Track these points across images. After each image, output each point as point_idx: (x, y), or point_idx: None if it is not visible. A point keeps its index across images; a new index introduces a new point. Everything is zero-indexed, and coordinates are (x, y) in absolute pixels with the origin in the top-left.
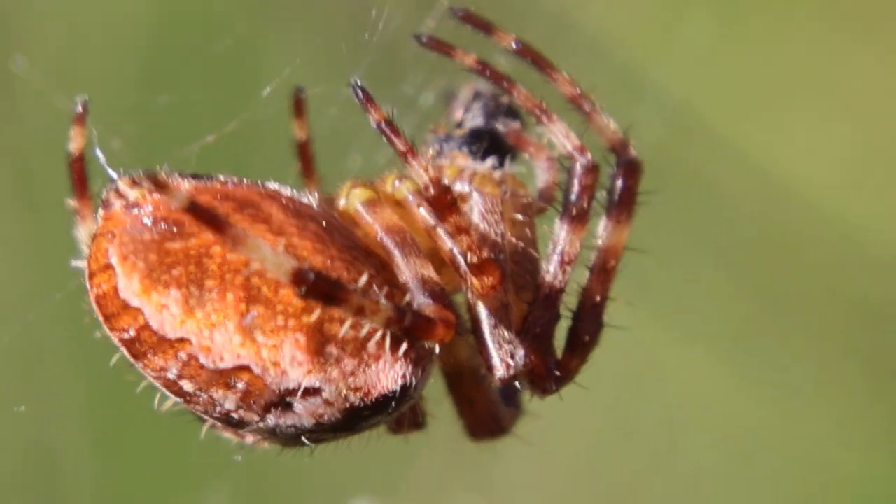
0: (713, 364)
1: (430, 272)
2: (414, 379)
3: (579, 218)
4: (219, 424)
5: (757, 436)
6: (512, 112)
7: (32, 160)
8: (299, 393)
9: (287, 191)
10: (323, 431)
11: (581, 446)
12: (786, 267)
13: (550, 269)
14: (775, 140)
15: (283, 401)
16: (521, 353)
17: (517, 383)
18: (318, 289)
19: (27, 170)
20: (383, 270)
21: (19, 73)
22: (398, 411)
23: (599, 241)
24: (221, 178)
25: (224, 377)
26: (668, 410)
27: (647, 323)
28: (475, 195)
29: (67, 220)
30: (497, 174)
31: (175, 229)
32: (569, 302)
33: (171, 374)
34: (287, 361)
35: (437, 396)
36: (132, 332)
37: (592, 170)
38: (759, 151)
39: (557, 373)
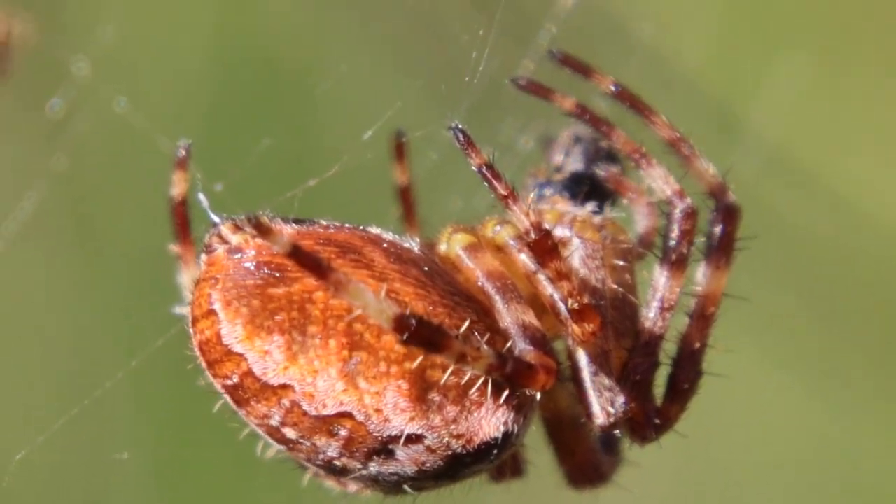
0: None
1: (531, 318)
2: (516, 426)
3: (679, 264)
4: (321, 472)
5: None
6: (611, 156)
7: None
8: (402, 440)
9: (388, 235)
10: (425, 479)
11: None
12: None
13: (650, 316)
14: (870, 182)
15: (385, 448)
16: (621, 400)
17: (617, 431)
18: (420, 335)
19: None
20: (484, 316)
21: (122, 112)
22: (500, 459)
23: (698, 288)
24: (323, 222)
25: (327, 424)
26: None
27: (746, 366)
28: (576, 240)
29: (128, 263)
30: (597, 219)
31: (278, 274)
32: (668, 349)
33: (274, 422)
34: (390, 408)
35: (536, 444)
36: (235, 379)
37: (692, 215)
38: (853, 192)
39: (657, 420)
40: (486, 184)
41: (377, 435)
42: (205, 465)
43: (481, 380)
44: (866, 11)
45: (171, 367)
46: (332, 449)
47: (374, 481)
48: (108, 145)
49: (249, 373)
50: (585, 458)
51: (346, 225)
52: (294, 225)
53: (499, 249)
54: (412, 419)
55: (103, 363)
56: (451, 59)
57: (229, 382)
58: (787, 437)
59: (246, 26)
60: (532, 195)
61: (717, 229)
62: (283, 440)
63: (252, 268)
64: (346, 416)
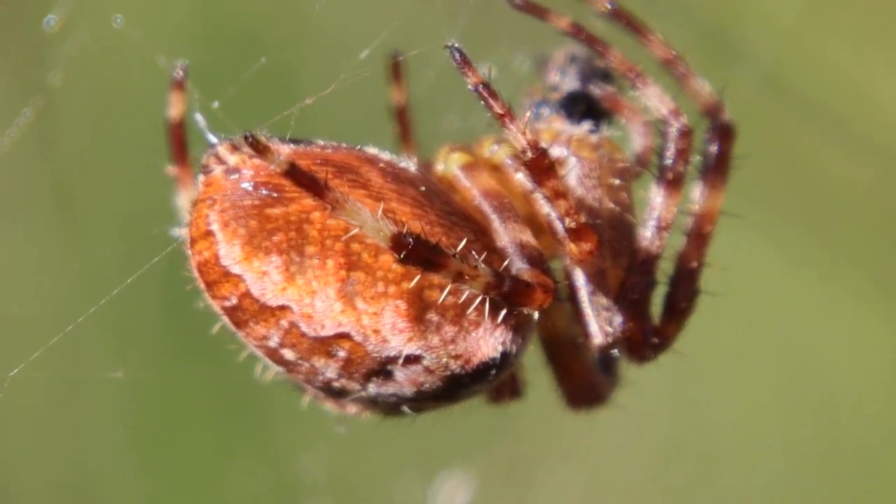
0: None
1: (528, 237)
2: (514, 346)
3: (675, 183)
4: (320, 394)
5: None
6: (607, 75)
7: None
8: (400, 361)
9: (385, 155)
10: (424, 400)
11: (677, 416)
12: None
13: (647, 235)
14: (866, 97)
15: (384, 369)
16: (618, 319)
17: (615, 351)
18: (418, 254)
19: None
20: (482, 235)
21: (119, 28)
22: (498, 379)
23: (695, 207)
24: (320, 142)
25: (325, 345)
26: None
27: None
28: (572, 159)
29: (106, 234)
30: (593, 138)
31: (275, 194)
32: (665, 268)
33: (273, 343)
34: (388, 329)
35: (534, 364)
36: (234, 300)
37: (687, 134)
38: (849, 110)
39: (655, 339)
40: (482, 103)
41: (375, 356)
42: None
43: (479, 299)
44: None
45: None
46: (330, 370)
47: (373, 402)
48: (104, 62)
49: (248, 294)
50: (583, 378)
51: (343, 145)
52: (291, 145)
53: (496, 169)
54: (410, 339)
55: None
56: None
57: (228, 304)
58: (782, 355)
59: None
60: (528, 114)
61: (713, 148)
62: (281, 361)
63: (250, 188)
64: (345, 336)
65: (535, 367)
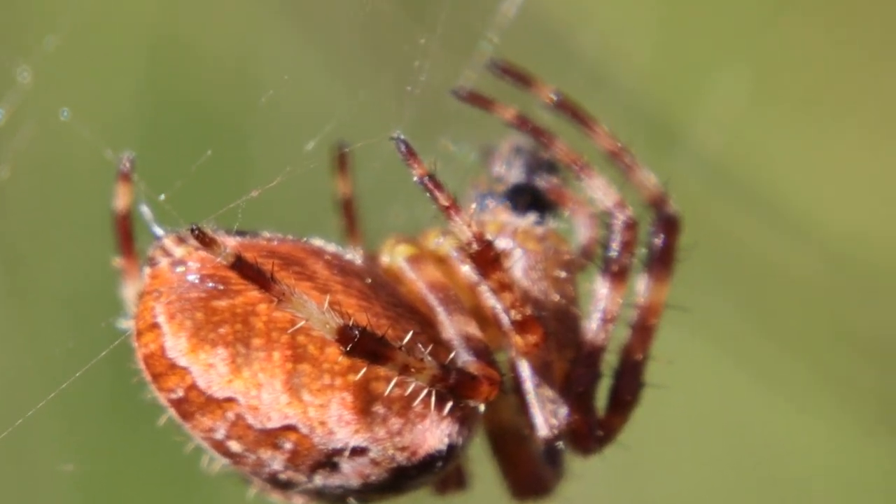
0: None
1: (474, 329)
2: (460, 438)
3: (620, 275)
4: (267, 486)
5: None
6: (552, 167)
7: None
8: (346, 453)
9: (331, 247)
10: (370, 491)
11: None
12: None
13: (592, 327)
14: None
15: (330, 461)
16: (564, 411)
17: (560, 443)
18: (364, 347)
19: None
20: (428, 327)
21: (66, 122)
22: (444, 471)
23: (640, 299)
24: (266, 234)
25: (271, 437)
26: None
27: (688, 376)
28: (518, 251)
29: (57, 308)
30: (539, 230)
31: (221, 287)
32: (610, 360)
33: (219, 435)
34: (334, 421)
35: (479, 456)
36: (180, 393)
37: (632, 226)
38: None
39: (600, 432)
40: (427, 194)
41: (322, 448)
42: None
43: (425, 391)
44: (800, 30)
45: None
46: (277, 462)
47: (320, 494)
48: (50, 155)
49: (194, 386)
50: (529, 470)
51: (289, 237)
52: (237, 237)
53: (441, 260)
54: (356, 431)
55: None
56: (394, 69)
57: (174, 396)
58: (730, 445)
59: (185, 37)
60: (474, 206)
61: (658, 240)
62: (228, 454)
63: (196, 280)
64: (291, 428)
65: (480, 459)
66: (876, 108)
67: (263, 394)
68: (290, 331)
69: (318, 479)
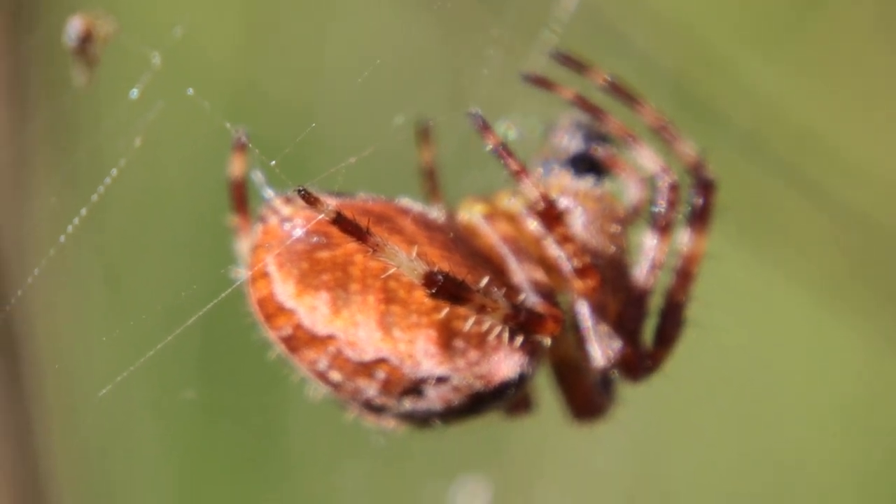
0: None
1: (540, 275)
2: (529, 368)
3: (665, 229)
4: (363, 410)
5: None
6: (606, 138)
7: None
8: (431, 381)
9: (417, 206)
10: (451, 415)
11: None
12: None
13: (641, 274)
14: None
15: (417, 388)
16: (617, 345)
17: (614, 373)
18: (446, 289)
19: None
20: (501, 274)
21: (193, 98)
22: (515, 396)
23: (683, 249)
24: (362, 195)
25: (367, 368)
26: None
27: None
28: (578, 209)
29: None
30: (596, 191)
31: (324, 240)
32: (656, 302)
33: (322, 366)
34: (421, 354)
35: (543, 384)
36: (288, 331)
37: (676, 188)
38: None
39: (648, 363)
40: (500, 161)
41: (410, 377)
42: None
43: (499, 328)
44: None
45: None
46: (371, 389)
47: (408, 417)
48: (181, 128)
49: (300, 325)
50: (586, 396)
51: (382, 198)
52: (337, 198)
53: (512, 217)
54: (440, 363)
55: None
56: (469, 55)
57: (283, 334)
58: (753, 384)
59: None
60: (540, 171)
61: (698, 200)
62: (329, 383)
63: (301, 234)
64: (384, 361)
65: (544, 387)
66: None
67: (360, 331)
68: (382, 277)
69: (407, 404)
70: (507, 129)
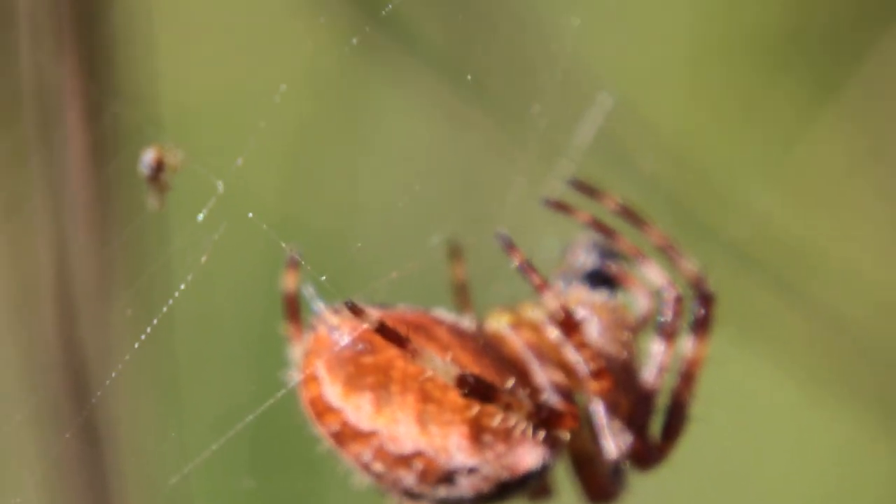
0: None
1: (560, 377)
2: (550, 459)
3: (670, 336)
4: (402, 497)
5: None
6: (618, 256)
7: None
8: (463, 471)
9: (451, 317)
10: (480, 501)
11: None
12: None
13: (649, 376)
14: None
15: (450, 478)
16: (628, 439)
17: (624, 464)
18: (477, 390)
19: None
20: (525, 376)
21: (252, 220)
22: (537, 484)
23: (686, 355)
24: (402, 306)
25: (406, 460)
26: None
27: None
28: (593, 319)
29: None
30: (609, 303)
31: (368, 346)
32: (663, 401)
33: (366, 458)
34: (454, 447)
35: (561, 473)
36: (336, 427)
37: (680, 300)
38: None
39: (655, 455)
40: (525, 276)
41: (444, 468)
42: None
43: (523, 424)
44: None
45: None
46: (409, 479)
47: (442, 503)
48: (240, 247)
49: (347, 422)
50: (600, 483)
51: (419, 308)
52: (379, 309)
53: (535, 326)
54: (471, 455)
55: None
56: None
57: (332, 430)
58: (748, 469)
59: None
60: (560, 285)
61: (700, 311)
62: (372, 473)
63: (348, 342)
64: (421, 454)
65: (562, 475)
66: None
67: (400, 427)
68: (420, 379)
69: (442, 492)
70: (530, 252)
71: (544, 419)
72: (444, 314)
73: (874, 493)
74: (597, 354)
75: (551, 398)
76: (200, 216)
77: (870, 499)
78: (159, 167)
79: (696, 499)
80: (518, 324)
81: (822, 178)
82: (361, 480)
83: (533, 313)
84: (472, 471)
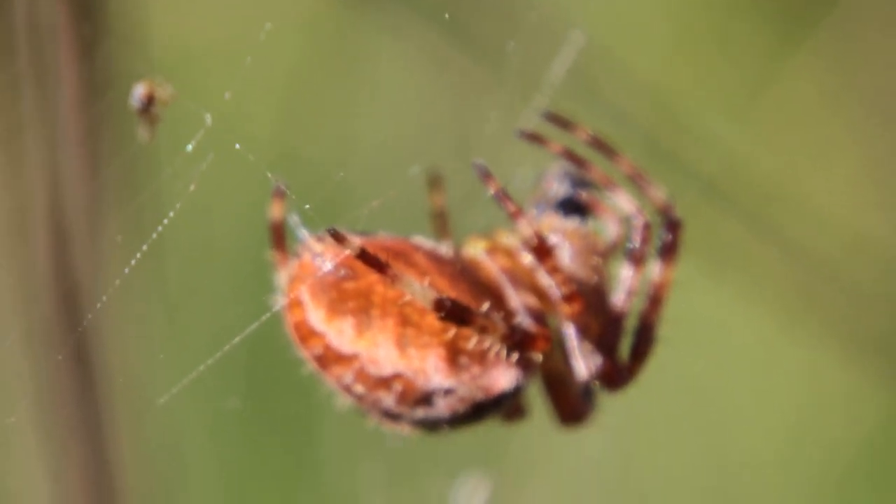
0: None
1: (533, 301)
2: (523, 380)
3: (639, 261)
4: (381, 418)
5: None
6: (589, 184)
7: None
8: (440, 392)
9: (428, 243)
10: (456, 421)
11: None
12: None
13: (619, 299)
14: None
15: (428, 399)
16: (598, 360)
17: (594, 384)
18: (453, 313)
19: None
20: (499, 300)
21: (239, 151)
22: (511, 405)
23: (654, 279)
24: (382, 234)
25: (385, 382)
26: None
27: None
28: (565, 245)
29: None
30: (581, 230)
31: (349, 272)
32: (631, 323)
33: (348, 381)
34: (431, 369)
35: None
36: (319, 350)
37: (648, 226)
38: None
39: (624, 375)
40: (500, 204)
41: (422, 389)
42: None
43: (497, 346)
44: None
45: None
46: (389, 400)
47: (420, 424)
48: (230, 178)
49: (329, 346)
50: (571, 403)
51: (398, 236)
52: (361, 236)
53: (509, 252)
54: (447, 376)
55: None
56: (472, 116)
57: (315, 353)
58: (713, 393)
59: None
60: (534, 212)
61: (667, 237)
62: (353, 394)
63: (331, 268)
64: (400, 376)
65: (534, 396)
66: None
67: (380, 350)
68: (399, 303)
69: (419, 413)
70: (506, 182)
71: (518, 341)
72: (423, 241)
73: (837, 415)
74: (568, 279)
75: (524, 321)
76: (189, 147)
77: (833, 419)
78: (150, 101)
79: (663, 419)
80: (493, 250)
81: (795, 116)
82: (343, 401)
83: (508, 240)
84: (448, 392)
